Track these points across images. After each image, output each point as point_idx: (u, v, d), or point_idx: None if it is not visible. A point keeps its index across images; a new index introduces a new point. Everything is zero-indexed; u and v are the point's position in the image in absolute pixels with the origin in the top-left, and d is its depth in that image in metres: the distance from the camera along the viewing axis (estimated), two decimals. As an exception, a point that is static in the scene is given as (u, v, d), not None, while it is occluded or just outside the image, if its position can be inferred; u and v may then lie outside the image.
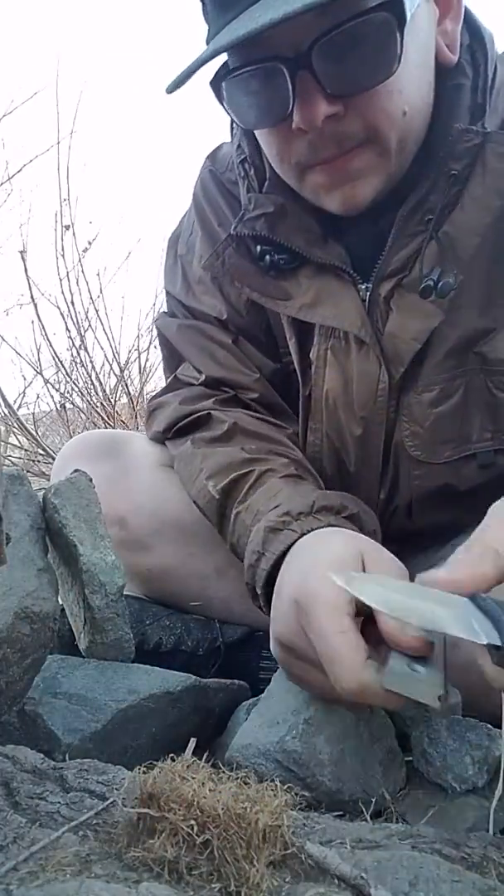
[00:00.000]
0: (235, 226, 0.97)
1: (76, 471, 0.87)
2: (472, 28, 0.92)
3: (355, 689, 0.62)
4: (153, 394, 1.19)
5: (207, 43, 0.83)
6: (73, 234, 4.34)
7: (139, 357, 4.80)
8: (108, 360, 4.61)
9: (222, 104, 0.87)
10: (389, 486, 1.00)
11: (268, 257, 0.96)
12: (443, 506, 1.00)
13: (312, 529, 0.80)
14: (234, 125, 1.01)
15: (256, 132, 0.92)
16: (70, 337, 4.48)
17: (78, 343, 4.48)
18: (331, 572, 0.60)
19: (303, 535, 0.80)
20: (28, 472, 3.60)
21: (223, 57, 0.85)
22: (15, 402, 4.60)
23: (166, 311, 1.17)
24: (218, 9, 0.81)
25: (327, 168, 0.86)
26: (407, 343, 0.92)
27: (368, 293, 0.93)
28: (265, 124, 0.88)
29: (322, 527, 0.80)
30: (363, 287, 0.93)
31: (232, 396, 1.06)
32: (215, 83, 0.86)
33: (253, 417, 1.04)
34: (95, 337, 4.55)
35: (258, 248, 0.97)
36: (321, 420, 1.01)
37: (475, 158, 0.86)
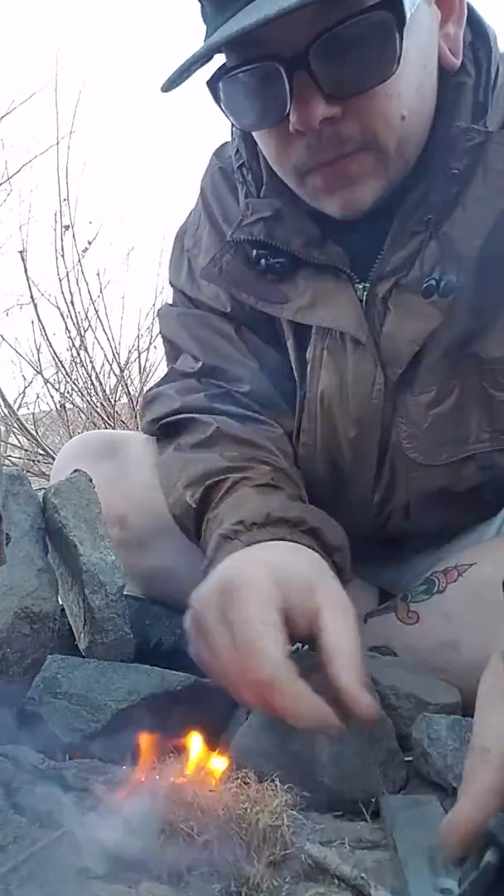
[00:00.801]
0: (233, 232, 0.97)
1: (76, 471, 0.87)
2: (475, 26, 0.91)
3: (265, 681, 0.62)
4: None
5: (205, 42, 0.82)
6: (73, 234, 4.35)
7: (139, 357, 4.80)
8: (108, 360, 4.61)
9: (219, 105, 0.86)
10: (385, 488, 0.99)
11: (263, 261, 0.95)
12: (441, 507, 0.99)
13: (260, 541, 0.78)
14: (233, 128, 1.00)
15: (255, 134, 0.92)
16: (70, 337, 4.49)
17: (78, 343, 4.49)
18: None
19: (249, 545, 0.78)
20: (28, 472, 3.61)
21: (220, 58, 0.84)
22: (15, 402, 4.61)
23: (170, 302, 1.17)
24: (215, 8, 0.80)
25: (326, 172, 0.85)
26: (405, 344, 0.91)
27: (366, 293, 0.92)
28: (262, 125, 0.87)
29: (270, 539, 0.79)
30: (360, 287, 0.93)
31: (225, 392, 1.05)
32: (212, 83, 0.85)
33: (240, 419, 1.02)
34: (95, 337, 4.55)
35: (254, 252, 0.96)
36: (315, 420, 1.00)
37: (476, 158, 0.85)
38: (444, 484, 0.97)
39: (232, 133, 1.02)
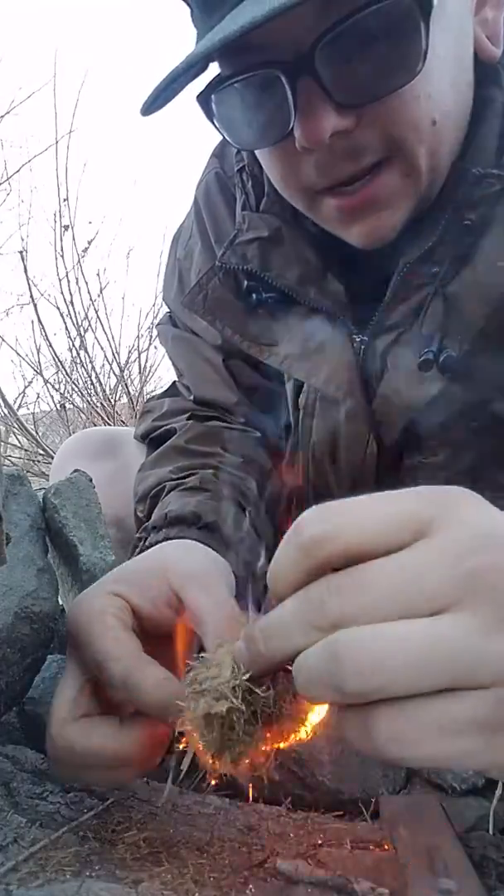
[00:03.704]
0: (224, 252, 0.88)
1: (76, 471, 0.87)
2: None
3: (124, 675, 0.52)
4: (153, 394, 1.18)
5: None
6: (73, 235, 4.35)
7: (139, 357, 4.82)
8: (108, 360, 4.62)
9: (212, 122, 0.75)
10: None
11: (254, 295, 0.86)
12: None
13: (154, 544, 0.72)
14: None
15: (258, 153, 0.81)
16: (70, 337, 4.49)
17: (78, 343, 4.49)
18: None
19: (144, 549, 0.72)
20: (28, 472, 3.61)
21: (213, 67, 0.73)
22: (15, 402, 4.62)
23: (169, 313, 1.12)
24: (202, 11, 0.69)
25: (343, 200, 0.73)
26: (400, 410, 0.83)
27: (364, 346, 0.83)
28: (263, 143, 0.75)
29: (163, 540, 0.72)
30: (358, 339, 0.83)
31: (213, 417, 1.01)
32: (203, 97, 0.73)
33: (206, 430, 0.97)
34: (95, 337, 4.56)
35: (245, 283, 0.87)
36: (307, 467, 0.94)
37: (493, 208, 0.74)
38: None
39: None
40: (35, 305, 4.39)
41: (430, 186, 0.75)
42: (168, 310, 1.12)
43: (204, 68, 0.72)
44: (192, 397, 1.04)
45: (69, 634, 0.57)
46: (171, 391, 1.11)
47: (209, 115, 0.74)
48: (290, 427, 0.98)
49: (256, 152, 0.81)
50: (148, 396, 1.24)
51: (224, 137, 0.77)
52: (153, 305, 4.77)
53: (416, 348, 0.80)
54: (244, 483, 0.90)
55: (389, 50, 0.65)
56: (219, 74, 0.73)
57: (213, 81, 0.72)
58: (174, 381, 1.11)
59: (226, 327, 0.91)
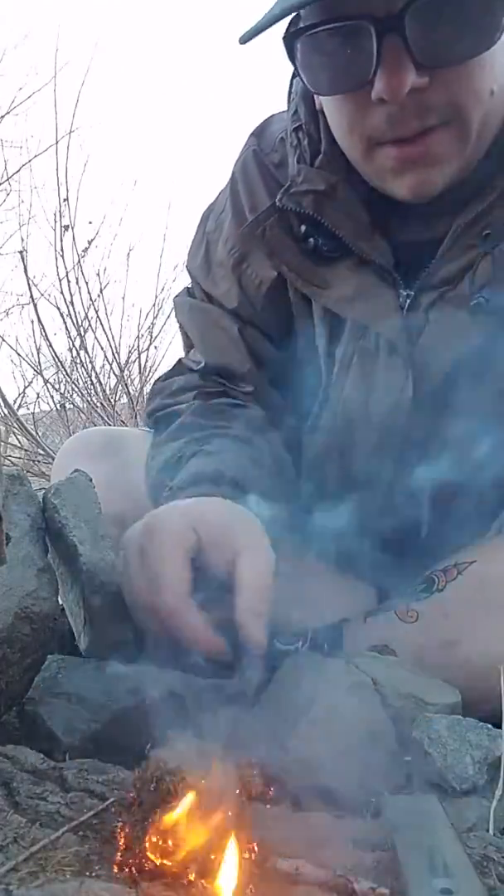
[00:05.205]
0: (280, 197, 0.91)
1: (76, 471, 0.87)
2: None
3: (166, 610, 0.70)
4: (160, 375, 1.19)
5: None
6: (73, 235, 4.35)
7: (139, 357, 4.81)
8: (108, 360, 4.61)
9: (294, 63, 0.80)
10: (399, 497, 0.96)
11: (311, 240, 0.90)
12: (458, 516, 0.96)
13: (188, 497, 0.81)
14: (293, 90, 0.95)
15: (325, 100, 0.85)
16: (70, 337, 4.49)
17: (78, 343, 4.49)
18: None
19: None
20: (28, 472, 3.60)
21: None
22: (15, 402, 4.61)
23: (188, 287, 1.14)
24: None
25: (403, 149, 0.79)
26: (441, 360, 0.88)
27: (409, 300, 0.88)
28: (341, 90, 0.80)
29: (196, 495, 0.80)
30: (404, 293, 0.89)
31: (221, 391, 1.03)
32: (289, 39, 0.79)
33: (212, 406, 1.00)
34: (95, 337, 4.55)
35: (302, 227, 0.91)
36: (335, 419, 0.97)
37: None
38: (471, 499, 0.94)
39: (290, 93, 0.97)
40: (35, 305, 4.39)
41: (474, 152, 0.80)
42: (189, 281, 1.13)
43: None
44: (201, 366, 1.05)
45: (147, 534, 0.74)
46: (178, 369, 1.11)
47: (292, 57, 0.79)
48: (297, 391, 1.01)
49: (323, 100, 0.85)
50: (155, 378, 1.24)
51: (302, 79, 0.82)
52: (153, 305, 4.76)
53: (459, 303, 0.85)
54: (258, 451, 0.94)
55: (473, 19, 0.73)
56: (299, 17, 0.77)
57: (304, 26, 0.77)
58: (180, 359, 1.12)
59: (282, 265, 0.95)
